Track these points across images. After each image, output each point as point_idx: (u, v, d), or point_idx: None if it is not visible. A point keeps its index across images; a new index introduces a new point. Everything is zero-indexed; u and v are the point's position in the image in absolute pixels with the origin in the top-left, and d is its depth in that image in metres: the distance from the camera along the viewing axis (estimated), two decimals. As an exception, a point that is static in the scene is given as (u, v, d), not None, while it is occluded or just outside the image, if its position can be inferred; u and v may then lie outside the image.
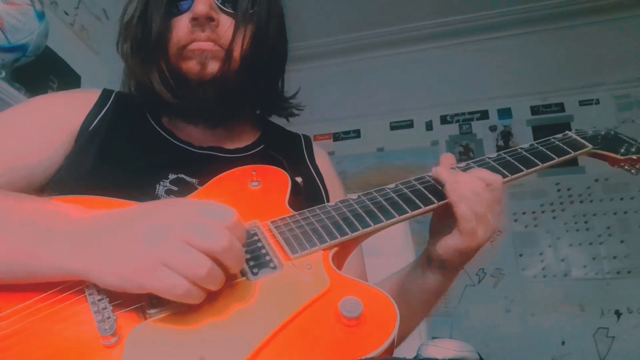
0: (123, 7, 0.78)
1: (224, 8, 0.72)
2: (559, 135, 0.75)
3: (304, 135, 0.94)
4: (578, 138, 0.75)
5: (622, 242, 2.44)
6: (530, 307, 2.45)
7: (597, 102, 2.67)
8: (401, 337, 0.73)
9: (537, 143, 0.73)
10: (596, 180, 2.55)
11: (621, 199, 2.50)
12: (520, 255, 2.55)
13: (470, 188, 0.60)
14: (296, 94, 0.90)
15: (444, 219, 0.64)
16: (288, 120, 0.91)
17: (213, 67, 0.70)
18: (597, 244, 2.47)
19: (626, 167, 0.75)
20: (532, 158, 0.70)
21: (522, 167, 0.68)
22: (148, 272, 0.44)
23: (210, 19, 0.70)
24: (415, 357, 0.73)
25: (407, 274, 0.72)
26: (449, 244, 0.63)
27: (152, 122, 0.79)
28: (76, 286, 0.48)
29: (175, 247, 0.44)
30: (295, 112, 0.90)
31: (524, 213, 2.61)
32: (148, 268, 0.44)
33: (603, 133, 0.77)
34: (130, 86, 0.81)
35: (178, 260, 0.43)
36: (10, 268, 0.48)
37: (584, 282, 2.42)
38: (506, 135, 2.80)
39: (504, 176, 0.66)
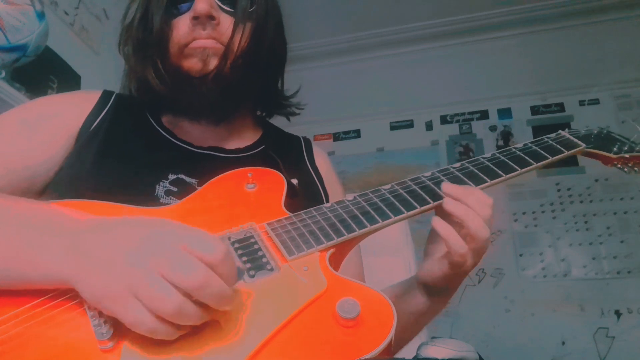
0: (124, 10, 0.78)
1: (224, 7, 0.73)
2: (552, 135, 0.76)
3: (304, 138, 0.94)
4: (571, 137, 0.75)
5: (622, 242, 2.44)
6: (530, 307, 2.45)
7: (597, 102, 2.67)
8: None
9: (530, 143, 0.73)
10: (596, 180, 2.55)
11: (621, 199, 2.50)
12: (520, 255, 2.55)
13: (477, 222, 0.58)
14: (296, 92, 0.90)
15: (439, 242, 0.64)
16: (289, 120, 0.91)
17: (214, 64, 0.71)
18: (597, 244, 2.47)
19: (619, 166, 0.75)
20: (526, 157, 0.70)
21: (516, 167, 0.68)
22: (117, 300, 0.42)
23: (211, 17, 0.70)
24: (415, 357, 0.73)
25: (399, 290, 0.72)
26: (434, 269, 0.63)
27: (153, 122, 0.79)
28: (72, 291, 0.48)
29: (147, 278, 0.41)
30: (296, 111, 0.90)
31: (524, 213, 2.61)
32: (117, 296, 0.42)
33: (596, 132, 0.78)
34: (130, 88, 0.82)
35: (146, 292, 0.41)
36: (8, 274, 0.48)
37: (584, 282, 2.42)
38: (506, 135, 2.79)
39: (499, 176, 0.67)
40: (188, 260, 0.42)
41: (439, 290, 0.66)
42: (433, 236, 0.66)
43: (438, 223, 0.59)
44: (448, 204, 0.61)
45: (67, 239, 0.48)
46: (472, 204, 0.59)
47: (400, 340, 0.73)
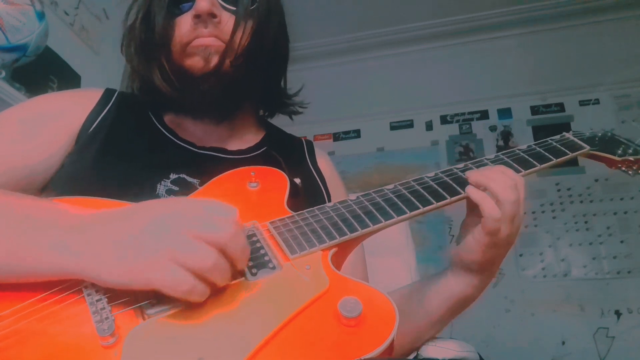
0: (126, 11, 0.79)
1: (225, 5, 0.73)
2: (557, 137, 0.76)
3: (306, 140, 0.94)
4: (575, 139, 0.75)
5: (622, 242, 2.44)
6: (530, 307, 2.44)
7: (597, 102, 2.67)
8: (412, 347, 0.73)
9: (534, 144, 0.73)
10: (596, 180, 2.55)
11: (621, 199, 2.50)
12: (520, 255, 2.55)
13: (502, 184, 0.61)
14: (299, 91, 0.90)
15: (473, 216, 0.64)
16: (292, 119, 0.91)
17: (216, 61, 0.71)
18: (597, 244, 2.47)
19: (623, 169, 0.75)
20: (530, 159, 0.70)
21: (520, 169, 0.68)
22: (154, 267, 0.44)
23: (212, 15, 0.71)
24: (415, 357, 0.73)
25: (426, 282, 0.72)
26: (472, 243, 0.63)
27: (155, 121, 0.80)
28: (75, 286, 0.48)
29: (181, 240, 0.44)
30: (299, 109, 0.90)
31: (524, 213, 2.61)
32: (154, 263, 0.44)
33: (600, 134, 0.77)
34: (133, 88, 0.82)
35: (184, 253, 0.44)
36: (9, 267, 0.48)
37: (584, 282, 2.42)
38: (506, 135, 2.79)
39: None
40: (214, 219, 0.46)
41: (480, 266, 0.66)
42: (467, 214, 0.67)
43: (472, 190, 0.62)
44: (472, 175, 0.63)
45: (71, 230, 0.48)
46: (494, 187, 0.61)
47: (424, 336, 0.73)
